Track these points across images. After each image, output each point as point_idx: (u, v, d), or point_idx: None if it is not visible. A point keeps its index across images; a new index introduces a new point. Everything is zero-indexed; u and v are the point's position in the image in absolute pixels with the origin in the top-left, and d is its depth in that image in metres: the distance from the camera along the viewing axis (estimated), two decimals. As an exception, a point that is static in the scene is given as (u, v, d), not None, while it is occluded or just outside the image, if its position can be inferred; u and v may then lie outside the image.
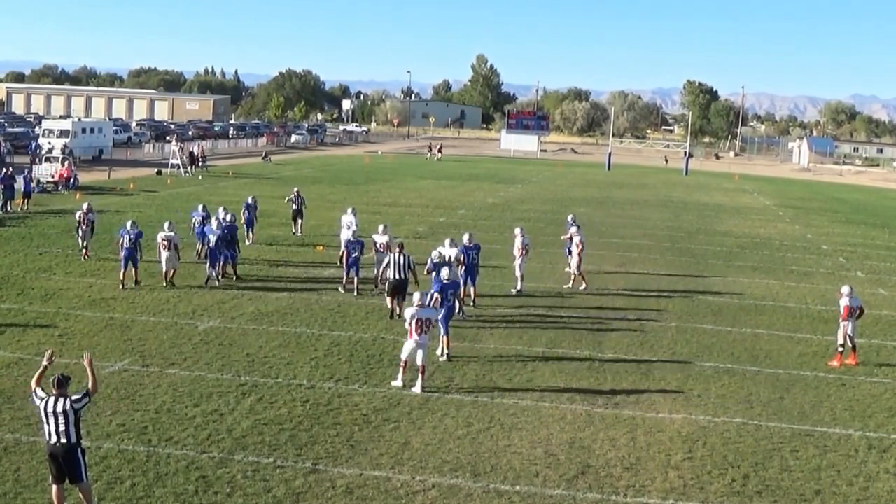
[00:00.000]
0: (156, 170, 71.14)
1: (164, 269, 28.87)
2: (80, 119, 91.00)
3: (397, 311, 25.78)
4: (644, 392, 20.79)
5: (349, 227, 32.70)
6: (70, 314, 24.93)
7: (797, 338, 26.75)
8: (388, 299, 26.54)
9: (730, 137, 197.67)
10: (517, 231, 31.56)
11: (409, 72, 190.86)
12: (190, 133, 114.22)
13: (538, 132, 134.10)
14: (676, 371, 22.57)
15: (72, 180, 55.35)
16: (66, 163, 57.54)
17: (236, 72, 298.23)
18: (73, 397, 13.07)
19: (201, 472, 15.11)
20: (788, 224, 58.11)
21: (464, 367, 21.84)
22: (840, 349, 24.01)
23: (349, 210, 34.76)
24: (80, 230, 32.64)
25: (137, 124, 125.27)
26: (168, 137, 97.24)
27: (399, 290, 26.12)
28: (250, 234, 37.43)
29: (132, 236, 28.33)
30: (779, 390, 21.43)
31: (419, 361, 19.92)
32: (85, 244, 32.57)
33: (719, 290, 33.09)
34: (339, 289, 29.26)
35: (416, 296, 20.72)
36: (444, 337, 22.61)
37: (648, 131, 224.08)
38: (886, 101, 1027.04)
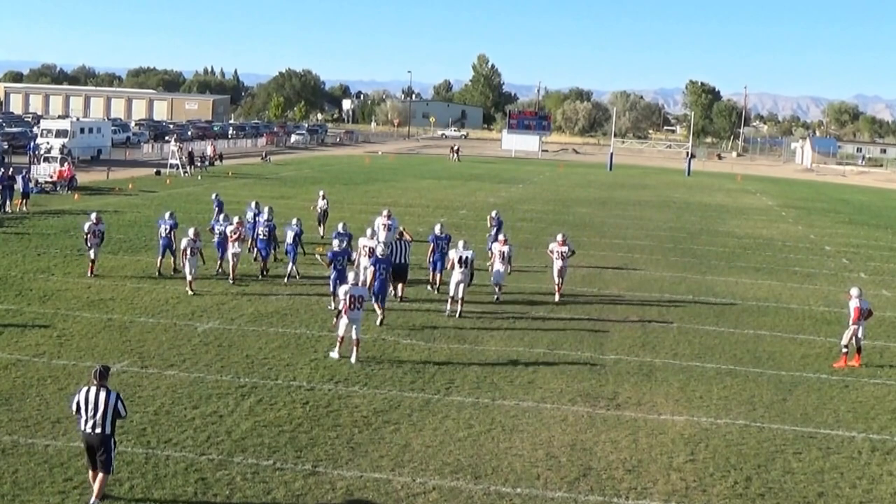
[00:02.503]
0: (155, 170, 71.18)
1: (187, 277, 28.45)
2: (78, 119, 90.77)
3: (399, 295, 28.46)
4: (646, 394, 20.78)
5: (385, 229, 32.66)
6: (68, 315, 24.92)
7: (800, 339, 26.74)
8: (390, 284, 28.00)
9: (732, 138, 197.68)
10: (501, 237, 30.18)
11: (409, 72, 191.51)
12: (189, 133, 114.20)
13: (540, 132, 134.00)
14: (678, 372, 22.57)
15: (71, 180, 55.38)
16: (66, 163, 57.49)
17: (236, 72, 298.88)
18: (120, 403, 13.79)
19: (200, 474, 15.10)
20: (791, 225, 58.11)
21: (464, 369, 21.83)
22: (845, 350, 23.98)
23: (384, 212, 34.06)
24: (88, 242, 30.27)
25: (136, 124, 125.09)
26: (167, 137, 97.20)
27: (400, 275, 28.22)
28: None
29: (168, 226, 30.35)
30: (782, 392, 21.43)
31: (353, 335, 21.94)
32: (94, 257, 30.24)
33: (721, 291, 33.08)
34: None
35: (352, 275, 22.97)
36: (378, 306, 25.38)
37: (650, 132, 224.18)
38: (890, 101, 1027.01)
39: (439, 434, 17.59)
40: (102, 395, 13.68)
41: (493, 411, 19.03)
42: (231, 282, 29.82)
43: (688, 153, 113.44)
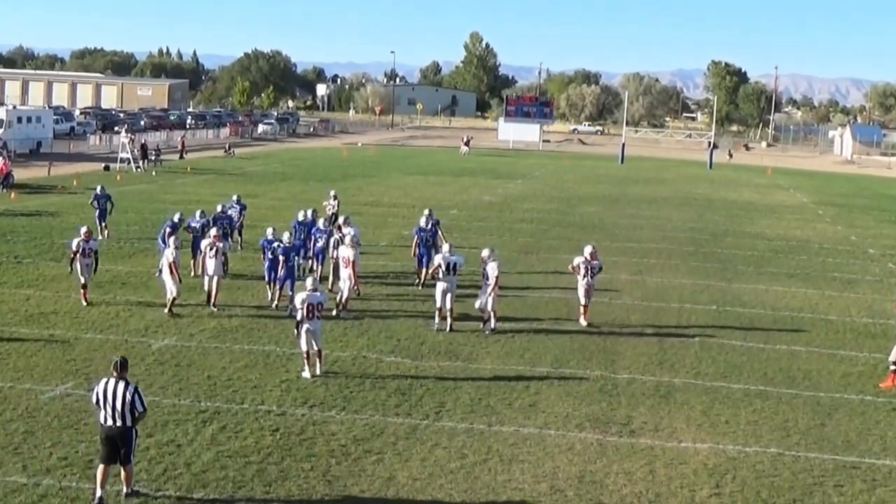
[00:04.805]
0: (103, 164, 71.14)
1: (168, 295, 27.32)
2: (14, 107, 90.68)
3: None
4: (664, 418, 20.77)
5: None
6: (4, 331, 24.83)
7: (840, 356, 26.74)
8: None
9: (761, 125, 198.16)
10: (486, 253, 27.70)
11: (393, 52, 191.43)
12: (142, 123, 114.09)
13: (541, 120, 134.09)
14: (701, 394, 22.55)
15: (7, 177, 55.20)
16: (2, 157, 57.34)
17: (195, 52, 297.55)
18: (137, 397, 15.03)
19: (155, 512, 15.05)
20: (829, 224, 58.21)
21: (456, 391, 21.80)
22: (893, 368, 23.94)
23: (341, 219, 33.63)
24: (78, 263, 28.08)
25: (82, 113, 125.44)
26: (117, 128, 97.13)
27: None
28: (102, 228, 39.33)
29: (170, 228, 31.37)
30: (820, 416, 21.42)
31: (315, 346, 22.41)
32: (85, 280, 28.23)
33: (750, 301, 33.10)
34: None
35: (309, 281, 23.15)
36: (278, 291, 28.30)
37: (667, 119, 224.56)
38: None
39: (428, 465, 17.55)
40: (121, 387, 14.96)
41: (490, 439, 19.00)
42: (212, 308, 28.10)
43: (710, 143, 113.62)
